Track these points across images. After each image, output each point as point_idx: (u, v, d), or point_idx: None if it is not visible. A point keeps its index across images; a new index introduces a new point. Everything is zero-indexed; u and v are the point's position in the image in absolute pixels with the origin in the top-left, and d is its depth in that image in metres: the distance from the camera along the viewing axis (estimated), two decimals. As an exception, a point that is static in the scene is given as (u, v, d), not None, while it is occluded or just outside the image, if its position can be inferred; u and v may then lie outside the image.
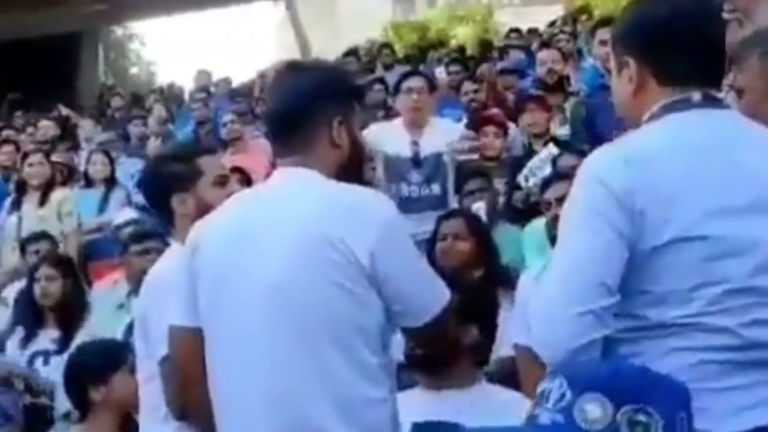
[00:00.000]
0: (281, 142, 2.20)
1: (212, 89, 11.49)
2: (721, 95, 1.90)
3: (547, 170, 4.68)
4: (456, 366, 2.65)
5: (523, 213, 4.70)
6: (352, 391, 2.01)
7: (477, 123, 5.92)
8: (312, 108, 2.16)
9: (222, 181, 2.68)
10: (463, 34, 19.04)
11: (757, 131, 1.87)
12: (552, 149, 5.00)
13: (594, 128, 5.18)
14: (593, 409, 1.40)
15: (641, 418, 1.41)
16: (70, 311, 4.61)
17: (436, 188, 5.10)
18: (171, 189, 2.64)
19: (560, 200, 3.30)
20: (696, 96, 1.83)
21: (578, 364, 1.58)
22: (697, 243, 1.71)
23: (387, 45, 13.11)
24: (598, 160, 1.82)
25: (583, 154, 4.50)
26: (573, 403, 1.41)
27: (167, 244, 3.31)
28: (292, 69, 2.38)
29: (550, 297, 1.75)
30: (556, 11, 18.15)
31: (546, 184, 3.61)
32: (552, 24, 12.41)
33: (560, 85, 6.43)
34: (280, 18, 24.16)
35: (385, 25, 20.64)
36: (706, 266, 1.71)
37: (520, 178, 4.95)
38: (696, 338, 1.72)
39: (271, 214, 2.10)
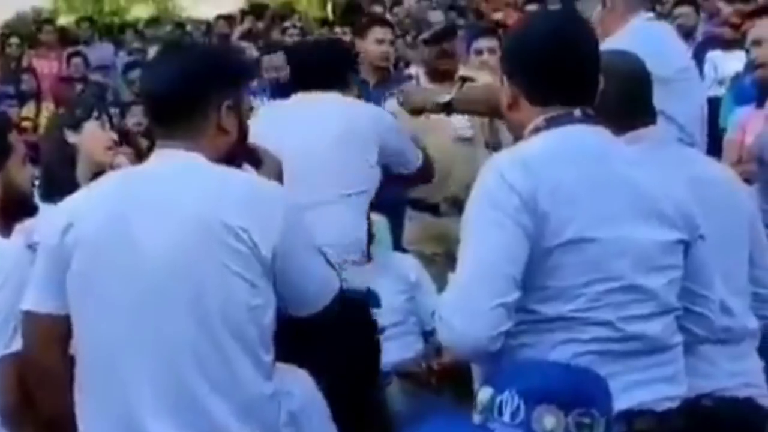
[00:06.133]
0: (165, 124, 2.08)
1: None
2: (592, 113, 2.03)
3: None
4: None
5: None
6: (252, 388, 1.97)
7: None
8: (202, 91, 2.06)
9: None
10: (144, 12, 18.66)
11: (624, 147, 2.06)
12: None
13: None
14: (549, 419, 1.49)
15: (586, 420, 1.51)
16: None
17: None
18: None
19: None
20: (577, 112, 1.97)
21: (524, 372, 1.66)
22: (590, 244, 1.86)
23: (50, 21, 12.08)
24: (501, 164, 1.92)
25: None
26: (530, 416, 1.49)
27: None
28: (176, 47, 2.26)
29: (465, 289, 1.84)
30: (232, 1, 18.33)
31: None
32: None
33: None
34: None
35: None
36: (596, 265, 1.87)
37: None
38: (583, 331, 1.87)
39: (160, 195, 1.99)
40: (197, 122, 2.05)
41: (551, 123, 1.96)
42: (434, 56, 4.35)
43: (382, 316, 3.62)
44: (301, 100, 3.21)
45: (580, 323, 1.87)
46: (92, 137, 3.25)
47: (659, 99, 2.50)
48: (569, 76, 1.98)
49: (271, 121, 3.08)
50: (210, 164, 2.04)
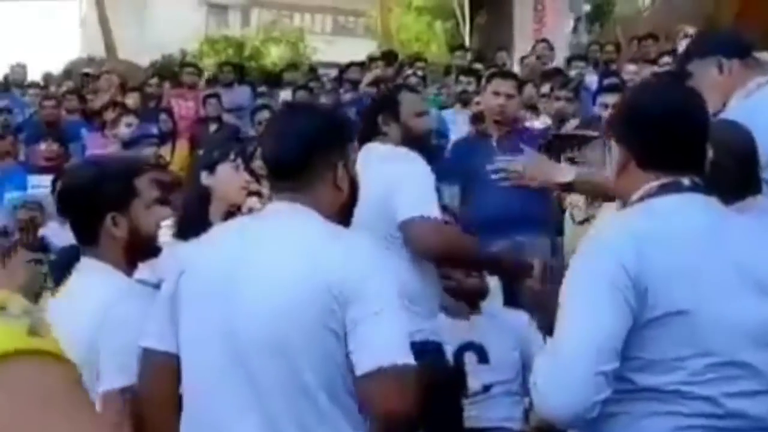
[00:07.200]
0: (283, 181, 2.18)
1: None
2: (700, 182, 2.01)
3: None
4: None
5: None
6: None
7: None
8: (318, 152, 2.16)
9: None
10: (276, 55, 19.25)
11: (735, 218, 2.03)
12: None
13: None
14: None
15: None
16: None
17: None
18: (104, 208, 2.42)
19: None
20: (686, 181, 1.97)
21: None
22: (687, 318, 1.85)
23: (192, 64, 11.95)
24: (611, 236, 1.93)
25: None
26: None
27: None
28: (293, 110, 2.39)
29: (567, 357, 1.85)
30: (365, 45, 18.71)
31: None
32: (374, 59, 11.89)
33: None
34: (86, 13, 23.12)
35: (200, 39, 20.40)
36: (693, 339, 1.85)
37: None
38: (684, 404, 1.86)
39: (269, 251, 2.06)
40: (311, 180, 2.14)
41: (662, 190, 1.97)
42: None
43: (492, 372, 3.64)
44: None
45: (679, 396, 1.86)
46: (226, 179, 3.35)
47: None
48: (681, 143, 1.99)
49: None
50: (321, 221, 2.10)
